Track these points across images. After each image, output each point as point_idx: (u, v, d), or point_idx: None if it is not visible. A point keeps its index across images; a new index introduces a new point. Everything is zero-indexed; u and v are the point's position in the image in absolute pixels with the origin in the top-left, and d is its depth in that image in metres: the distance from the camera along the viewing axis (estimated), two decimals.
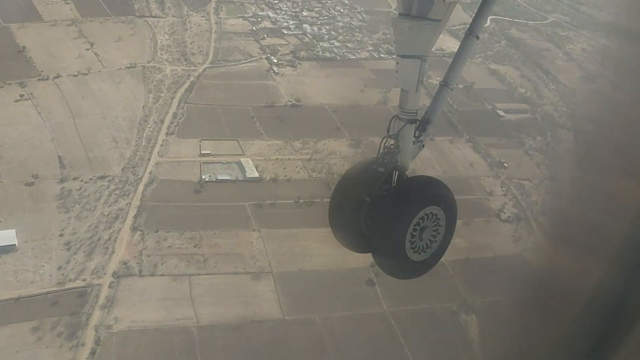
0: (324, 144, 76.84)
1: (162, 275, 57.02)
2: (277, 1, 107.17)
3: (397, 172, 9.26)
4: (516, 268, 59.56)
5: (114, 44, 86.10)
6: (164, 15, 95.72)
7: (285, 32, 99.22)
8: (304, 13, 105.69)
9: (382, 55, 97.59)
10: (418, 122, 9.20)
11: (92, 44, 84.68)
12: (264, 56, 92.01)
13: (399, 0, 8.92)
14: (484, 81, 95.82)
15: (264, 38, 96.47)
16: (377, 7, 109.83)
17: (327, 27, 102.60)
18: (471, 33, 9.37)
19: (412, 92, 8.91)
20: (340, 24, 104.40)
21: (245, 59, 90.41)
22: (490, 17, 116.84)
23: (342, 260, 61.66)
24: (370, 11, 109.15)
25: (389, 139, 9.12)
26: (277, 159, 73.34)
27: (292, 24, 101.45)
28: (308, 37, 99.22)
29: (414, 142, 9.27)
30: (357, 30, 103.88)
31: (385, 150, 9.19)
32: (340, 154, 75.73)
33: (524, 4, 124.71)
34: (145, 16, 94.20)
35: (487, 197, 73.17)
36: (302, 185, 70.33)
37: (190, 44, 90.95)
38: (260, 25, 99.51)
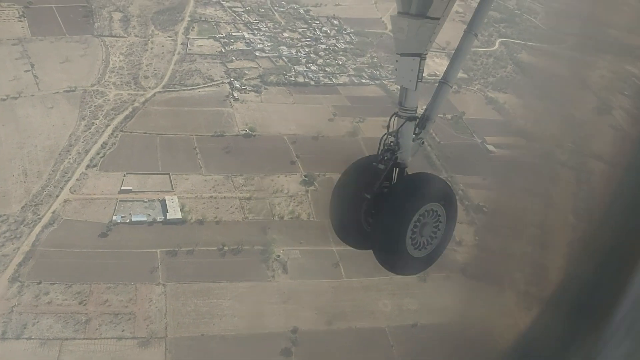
0: (272, 180, 67.18)
1: (30, 338, 48.44)
2: (257, 22, 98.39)
3: (397, 169, 9.40)
4: (474, 337, 48.02)
5: (59, 66, 78.91)
6: (126, 35, 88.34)
7: (258, 54, 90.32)
8: (285, 34, 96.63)
9: (364, 81, 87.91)
10: (418, 119, 9.50)
11: (32, 65, 77.56)
12: (227, 80, 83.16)
13: None
14: (478, 111, 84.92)
15: (232, 60, 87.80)
16: (369, 29, 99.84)
17: (307, 50, 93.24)
18: (470, 31, 9.72)
19: (411, 90, 9.16)
20: (324, 46, 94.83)
21: (204, 83, 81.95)
22: (499, 40, 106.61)
23: (258, 323, 52.07)
24: (361, 32, 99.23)
25: (388, 136, 9.26)
26: (211, 196, 64.01)
27: (268, 46, 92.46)
28: (283, 60, 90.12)
29: (413, 139, 9.43)
30: (340, 53, 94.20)
31: (385, 147, 9.31)
32: (287, 193, 66.10)
33: (541, 24, 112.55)
34: (104, 35, 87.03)
35: (454, 248, 61.30)
36: (233, 228, 60.90)
37: (147, 66, 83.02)
38: (231, 47, 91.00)
